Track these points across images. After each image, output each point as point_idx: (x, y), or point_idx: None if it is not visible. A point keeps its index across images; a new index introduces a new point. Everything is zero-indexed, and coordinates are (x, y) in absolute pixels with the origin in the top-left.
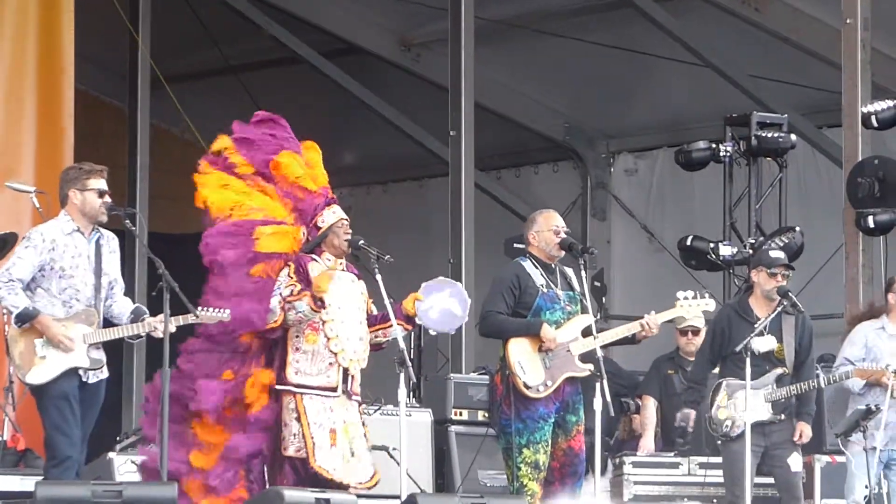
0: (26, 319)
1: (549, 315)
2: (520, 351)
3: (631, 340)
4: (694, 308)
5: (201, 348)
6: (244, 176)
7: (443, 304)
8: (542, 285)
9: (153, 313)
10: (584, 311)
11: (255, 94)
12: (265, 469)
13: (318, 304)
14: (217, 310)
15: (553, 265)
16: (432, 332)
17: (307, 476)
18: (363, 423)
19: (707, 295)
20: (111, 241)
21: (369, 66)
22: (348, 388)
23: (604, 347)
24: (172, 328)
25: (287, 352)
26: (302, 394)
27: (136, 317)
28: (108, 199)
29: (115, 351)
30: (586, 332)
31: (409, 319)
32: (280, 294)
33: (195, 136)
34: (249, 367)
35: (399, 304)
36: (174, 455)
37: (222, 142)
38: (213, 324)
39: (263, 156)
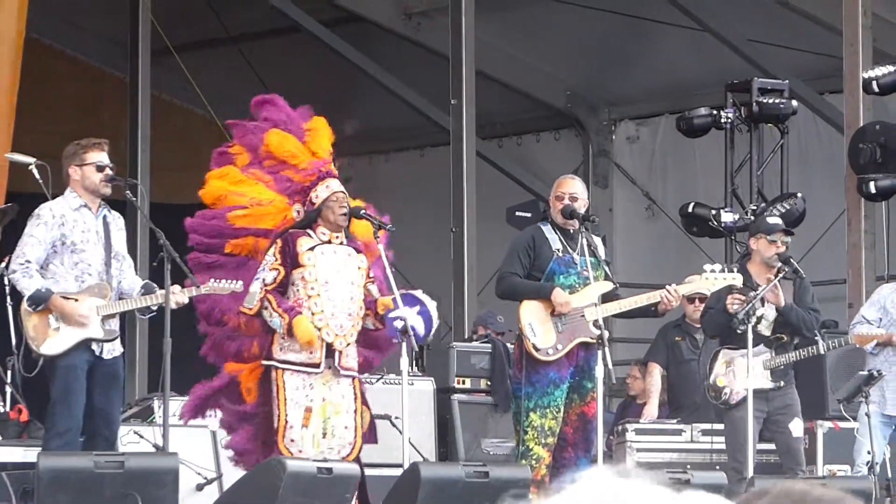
0: (39, 302)
1: (562, 280)
2: (533, 313)
3: (654, 314)
4: (719, 282)
5: (211, 332)
6: (242, 167)
7: (410, 319)
8: (557, 250)
9: (154, 284)
10: (606, 278)
11: (255, 63)
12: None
13: (291, 334)
14: (229, 281)
15: (573, 230)
16: (394, 340)
17: (277, 453)
18: (357, 398)
19: (735, 269)
20: (118, 220)
21: (370, 35)
22: (335, 364)
23: (622, 316)
24: (185, 299)
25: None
26: (284, 369)
27: (146, 292)
28: (108, 171)
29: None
30: (606, 299)
31: (378, 318)
32: (263, 280)
33: (198, 106)
34: (251, 351)
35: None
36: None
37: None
38: (204, 307)
39: (257, 141)
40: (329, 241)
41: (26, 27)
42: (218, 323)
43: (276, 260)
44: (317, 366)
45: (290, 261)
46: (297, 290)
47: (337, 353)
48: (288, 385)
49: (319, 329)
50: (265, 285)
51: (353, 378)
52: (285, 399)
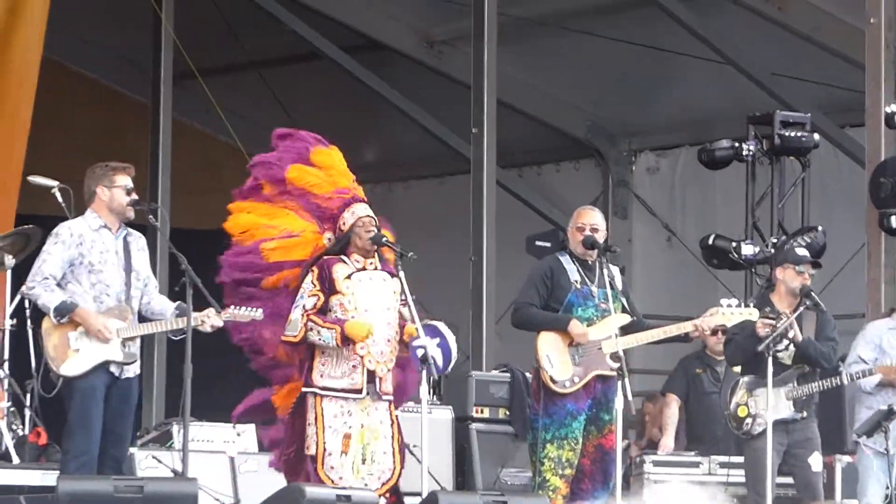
0: (65, 313)
1: (580, 312)
2: (550, 345)
3: (684, 339)
4: (735, 316)
5: (267, 365)
6: (270, 197)
7: (431, 349)
8: (576, 281)
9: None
10: (623, 310)
11: (276, 89)
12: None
13: (345, 342)
14: (249, 308)
15: (591, 261)
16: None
17: (316, 480)
18: (394, 423)
19: (752, 304)
20: (139, 240)
21: (392, 62)
22: (376, 389)
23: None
24: (220, 322)
25: (314, 355)
26: (323, 396)
27: (181, 313)
28: (134, 195)
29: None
30: (626, 331)
31: (403, 343)
32: (303, 306)
33: (219, 131)
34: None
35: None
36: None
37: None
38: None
39: (281, 175)
40: (364, 268)
41: (49, 50)
42: (257, 352)
43: (315, 287)
44: (359, 391)
45: (328, 286)
46: (337, 317)
47: (378, 379)
48: (326, 412)
49: (361, 357)
50: (306, 311)
51: (390, 403)
52: (324, 427)
